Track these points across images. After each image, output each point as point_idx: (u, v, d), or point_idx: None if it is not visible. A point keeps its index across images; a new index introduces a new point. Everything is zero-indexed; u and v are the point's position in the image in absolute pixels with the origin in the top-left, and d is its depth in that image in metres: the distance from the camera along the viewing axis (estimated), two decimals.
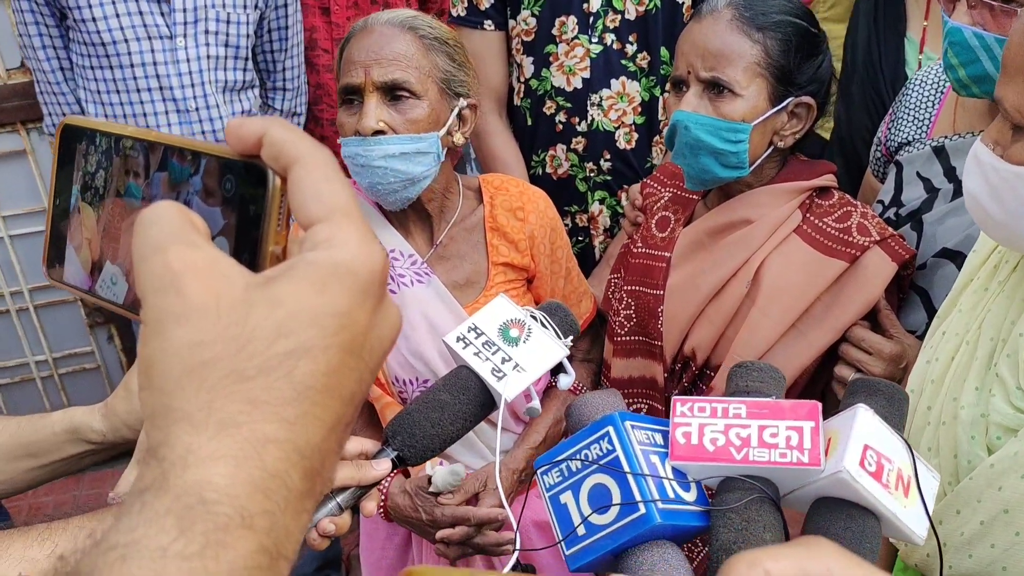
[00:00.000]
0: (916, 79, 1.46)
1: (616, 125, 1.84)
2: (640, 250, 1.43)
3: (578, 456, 0.78)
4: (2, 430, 0.92)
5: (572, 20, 1.78)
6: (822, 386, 1.31)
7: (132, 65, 1.89)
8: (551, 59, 1.82)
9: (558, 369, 0.94)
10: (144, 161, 0.44)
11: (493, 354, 0.89)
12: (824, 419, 0.76)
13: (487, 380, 0.87)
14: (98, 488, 2.84)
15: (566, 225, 1.88)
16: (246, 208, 0.40)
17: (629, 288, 1.43)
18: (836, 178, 1.34)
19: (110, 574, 0.29)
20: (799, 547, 0.49)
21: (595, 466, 0.76)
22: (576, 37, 1.79)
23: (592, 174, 1.88)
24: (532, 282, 1.51)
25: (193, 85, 1.93)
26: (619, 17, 1.78)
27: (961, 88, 1.25)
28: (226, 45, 1.94)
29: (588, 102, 1.82)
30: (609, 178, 1.88)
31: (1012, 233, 0.87)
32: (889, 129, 1.49)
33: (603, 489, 0.75)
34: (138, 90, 1.92)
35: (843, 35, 1.92)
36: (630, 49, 1.80)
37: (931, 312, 1.33)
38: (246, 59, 2.01)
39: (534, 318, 0.94)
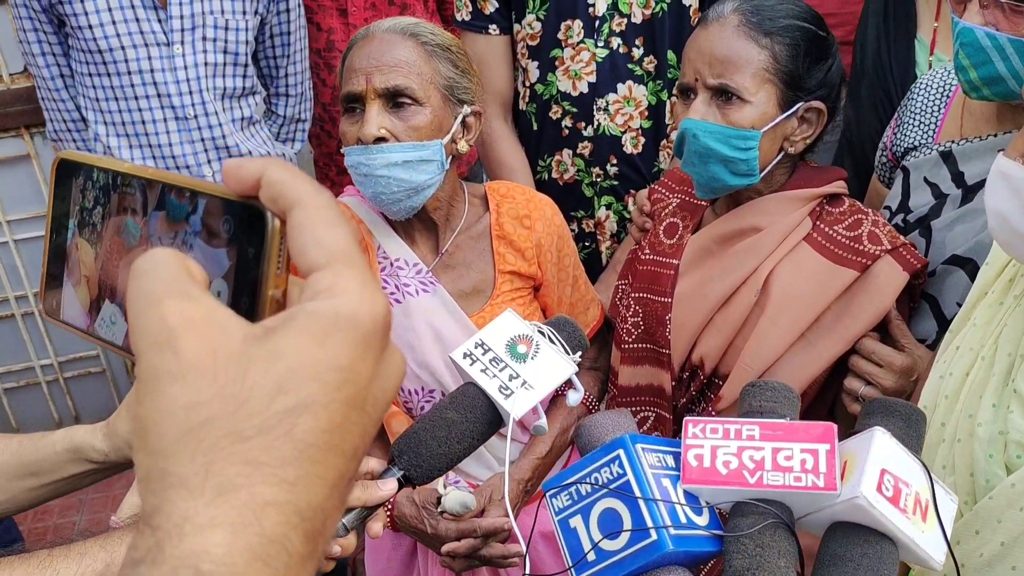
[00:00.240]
0: (921, 83, 1.44)
1: (623, 130, 1.82)
2: (648, 257, 1.42)
3: (588, 479, 0.76)
4: (3, 449, 0.91)
5: (578, 24, 1.76)
6: (832, 397, 1.29)
7: (130, 72, 1.87)
8: (557, 63, 1.80)
9: (566, 384, 0.92)
10: (142, 198, 0.42)
11: (500, 371, 0.88)
12: (839, 440, 0.75)
13: (494, 398, 0.85)
14: (104, 491, 2.84)
15: (572, 231, 1.86)
16: (245, 250, 0.38)
17: (637, 295, 1.41)
18: (846, 185, 1.33)
19: None
20: None
21: (605, 490, 0.74)
22: (582, 41, 1.77)
23: (598, 179, 1.86)
24: (539, 290, 1.49)
25: (191, 92, 1.91)
26: (625, 21, 1.76)
27: (972, 90, 1.22)
28: (224, 52, 1.93)
29: (594, 106, 1.81)
30: (616, 183, 1.86)
31: None
32: (895, 134, 1.47)
33: (614, 514, 0.74)
34: (136, 97, 1.90)
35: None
36: (636, 53, 1.78)
37: (941, 320, 1.31)
38: (245, 65, 1.99)
39: (542, 333, 0.93)
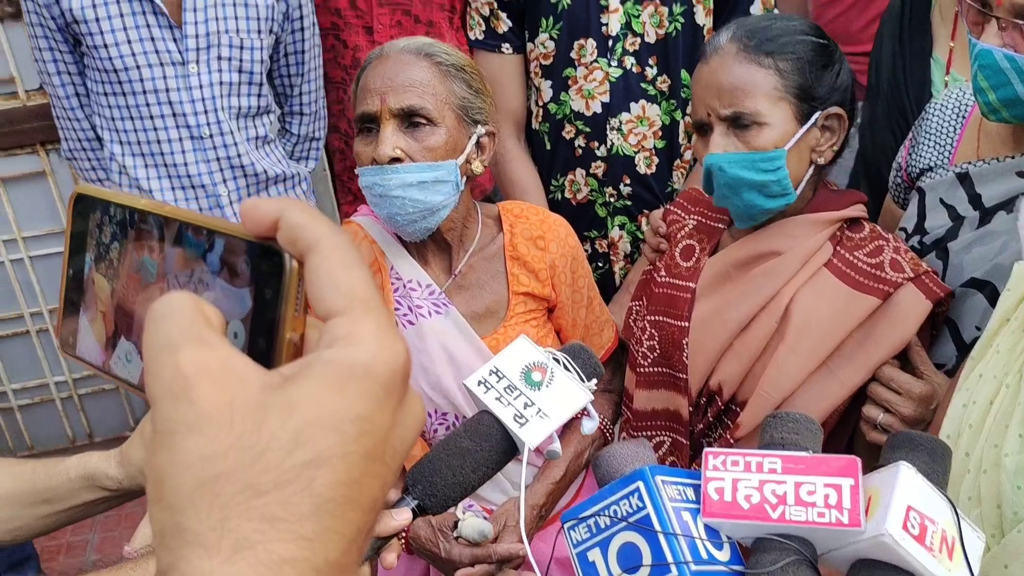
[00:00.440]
0: (936, 104, 1.43)
1: (636, 149, 1.81)
2: (664, 279, 1.40)
3: (607, 512, 0.75)
4: (17, 475, 0.91)
5: (591, 43, 1.76)
6: (852, 425, 1.27)
7: (145, 91, 1.88)
8: (570, 83, 1.80)
9: (581, 412, 0.91)
10: (159, 235, 0.42)
11: (515, 399, 0.87)
12: (863, 474, 0.73)
13: (509, 427, 0.85)
14: (117, 509, 2.83)
15: (585, 251, 1.85)
16: (262, 291, 0.38)
17: (652, 318, 1.40)
18: (866, 208, 1.31)
19: None
20: None
21: (624, 523, 0.73)
22: (595, 61, 1.77)
23: (612, 199, 1.86)
24: (553, 312, 1.48)
25: (207, 111, 1.92)
26: (639, 40, 1.76)
27: (991, 112, 1.21)
28: (240, 71, 1.93)
29: (608, 126, 1.80)
30: (629, 203, 1.85)
31: None
32: (910, 154, 1.46)
33: (633, 548, 0.73)
34: (151, 117, 1.91)
35: None
36: (650, 72, 1.78)
37: (959, 344, 1.29)
38: (260, 84, 1.99)
39: (557, 361, 0.92)
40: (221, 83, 1.91)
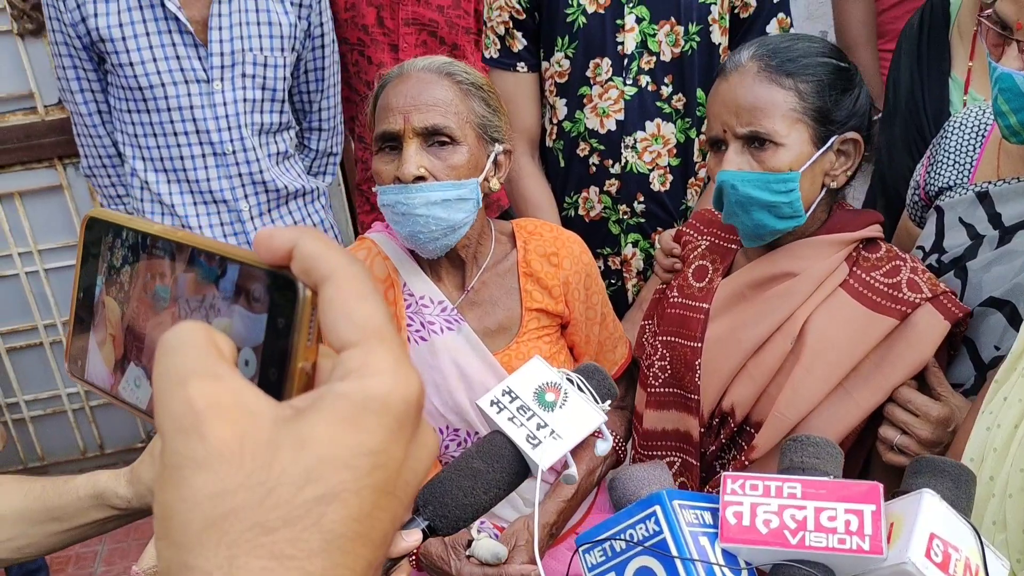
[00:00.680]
0: (955, 122, 1.42)
1: (650, 167, 1.81)
2: (676, 300, 1.39)
3: (623, 536, 0.74)
4: (27, 493, 0.90)
5: (606, 62, 1.76)
6: (869, 446, 1.26)
7: (169, 109, 1.89)
8: (584, 101, 1.80)
9: (595, 433, 0.90)
10: (171, 260, 0.41)
11: (528, 419, 0.86)
12: (885, 500, 0.72)
13: (522, 448, 0.84)
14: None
15: (599, 268, 1.84)
16: (275, 319, 0.37)
17: (664, 338, 1.39)
18: (883, 228, 1.30)
19: None
20: None
21: (640, 547, 0.72)
22: (610, 79, 1.77)
23: (625, 216, 1.85)
24: (566, 328, 1.48)
25: (230, 128, 1.93)
26: (654, 59, 1.76)
27: (1012, 135, 1.20)
28: (263, 88, 1.95)
29: (622, 144, 1.80)
30: (643, 220, 1.85)
31: None
32: (928, 173, 1.44)
33: (649, 573, 0.71)
34: (175, 133, 1.92)
35: None
36: (665, 91, 1.77)
37: (977, 364, 1.28)
38: (283, 101, 2.01)
39: (571, 381, 0.91)
40: (245, 100, 1.93)
